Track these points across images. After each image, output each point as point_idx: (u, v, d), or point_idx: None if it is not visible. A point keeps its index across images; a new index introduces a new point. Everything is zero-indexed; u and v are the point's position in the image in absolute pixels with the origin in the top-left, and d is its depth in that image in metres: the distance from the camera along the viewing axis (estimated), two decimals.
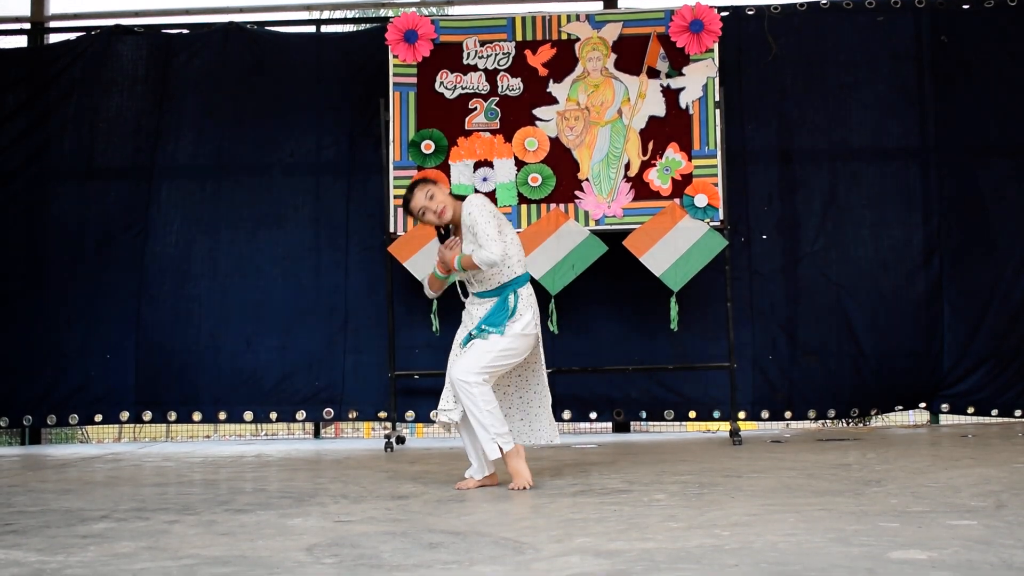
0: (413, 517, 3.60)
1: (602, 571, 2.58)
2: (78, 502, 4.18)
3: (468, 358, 4.44)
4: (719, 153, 6.49)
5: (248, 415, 7.26)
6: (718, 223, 6.43)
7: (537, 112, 6.60)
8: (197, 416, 7.26)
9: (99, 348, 7.33)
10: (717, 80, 6.55)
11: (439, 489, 4.41)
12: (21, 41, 7.93)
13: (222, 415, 7.28)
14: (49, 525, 3.55)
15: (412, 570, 2.65)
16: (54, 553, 2.99)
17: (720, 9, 6.91)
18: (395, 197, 6.51)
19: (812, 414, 7.17)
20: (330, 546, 3.01)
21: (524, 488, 4.30)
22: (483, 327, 4.47)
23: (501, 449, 4.36)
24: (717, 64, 6.57)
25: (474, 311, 4.64)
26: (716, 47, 6.58)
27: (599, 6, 7.61)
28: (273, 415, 7.26)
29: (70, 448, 7.41)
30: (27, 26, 7.91)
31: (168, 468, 5.68)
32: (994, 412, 7.13)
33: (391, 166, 6.56)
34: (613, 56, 6.62)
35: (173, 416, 7.27)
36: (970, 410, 7.15)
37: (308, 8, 8.31)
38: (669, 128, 6.55)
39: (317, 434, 7.85)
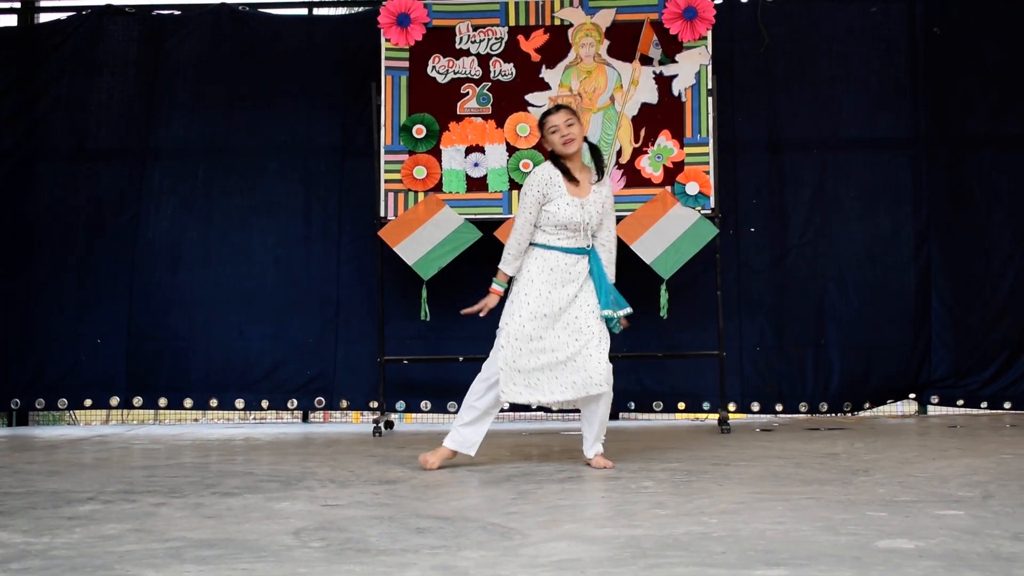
0: (401, 502, 3.59)
1: (589, 557, 2.58)
2: (65, 484, 4.17)
3: (604, 356, 4.55)
4: (711, 141, 6.47)
5: (239, 402, 7.26)
6: (709, 211, 6.42)
7: (529, 98, 6.57)
8: (188, 403, 7.25)
9: (90, 333, 7.30)
10: (710, 68, 6.52)
11: (427, 474, 4.41)
12: (11, 20, 7.88)
13: (213, 402, 7.26)
14: (35, 507, 3.54)
15: (399, 554, 2.64)
16: (40, 535, 2.98)
17: None
18: (386, 181, 6.49)
19: (804, 407, 7.17)
20: (317, 530, 3.01)
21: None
22: (613, 310, 4.66)
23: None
24: (710, 52, 6.54)
25: (561, 263, 4.61)
26: (709, 35, 6.56)
27: None
28: (265, 403, 7.26)
29: (57, 430, 7.39)
30: (17, 5, 7.86)
31: (156, 450, 5.67)
32: (983, 404, 7.14)
33: (382, 150, 6.53)
34: (606, 42, 6.60)
35: (164, 402, 7.26)
36: (959, 402, 7.17)
37: None
38: (661, 115, 6.53)
39: (305, 418, 7.84)
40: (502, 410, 4.80)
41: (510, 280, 4.65)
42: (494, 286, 4.66)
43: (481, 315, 4.73)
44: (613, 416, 7.47)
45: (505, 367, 4.49)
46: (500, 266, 4.64)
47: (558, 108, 4.69)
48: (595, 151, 4.75)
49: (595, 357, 4.51)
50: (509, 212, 6.43)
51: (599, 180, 4.70)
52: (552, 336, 4.52)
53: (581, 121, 4.71)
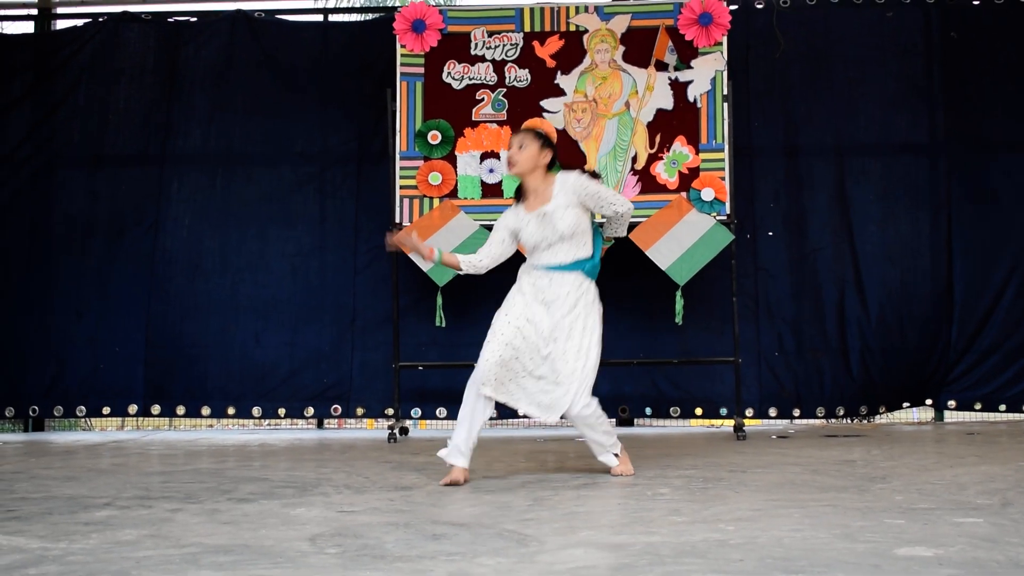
0: (416, 508, 3.59)
1: (606, 564, 2.56)
2: (81, 489, 4.18)
3: (577, 385, 4.34)
4: (727, 147, 6.46)
5: (256, 411, 7.27)
6: (725, 217, 6.41)
7: (544, 104, 6.57)
8: (206, 411, 7.27)
9: (108, 340, 7.33)
10: (725, 73, 6.51)
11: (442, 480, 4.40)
12: (28, 27, 7.92)
13: (231, 410, 7.28)
14: (52, 512, 3.55)
15: (415, 561, 2.63)
16: (56, 540, 2.99)
17: (729, 2, 6.88)
18: (401, 187, 6.49)
19: (821, 412, 7.14)
20: (333, 536, 3.00)
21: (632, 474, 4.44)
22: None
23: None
24: (725, 57, 6.53)
25: (539, 282, 4.42)
26: (725, 40, 6.55)
27: None
28: (281, 411, 7.28)
29: (73, 435, 7.41)
30: (34, 12, 7.90)
31: (171, 456, 5.68)
32: (1002, 407, 7.10)
33: (397, 156, 6.54)
34: (621, 48, 6.59)
35: (182, 410, 7.28)
36: (977, 406, 7.13)
37: None
38: (677, 121, 6.52)
39: (320, 424, 7.84)
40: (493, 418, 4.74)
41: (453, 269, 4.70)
42: (435, 255, 4.59)
43: (390, 247, 4.75)
44: (628, 423, 7.45)
45: (487, 360, 4.32)
46: (456, 254, 4.67)
47: (518, 131, 4.53)
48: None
49: (565, 389, 4.35)
50: None
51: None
52: (532, 351, 4.36)
53: (537, 144, 4.41)
